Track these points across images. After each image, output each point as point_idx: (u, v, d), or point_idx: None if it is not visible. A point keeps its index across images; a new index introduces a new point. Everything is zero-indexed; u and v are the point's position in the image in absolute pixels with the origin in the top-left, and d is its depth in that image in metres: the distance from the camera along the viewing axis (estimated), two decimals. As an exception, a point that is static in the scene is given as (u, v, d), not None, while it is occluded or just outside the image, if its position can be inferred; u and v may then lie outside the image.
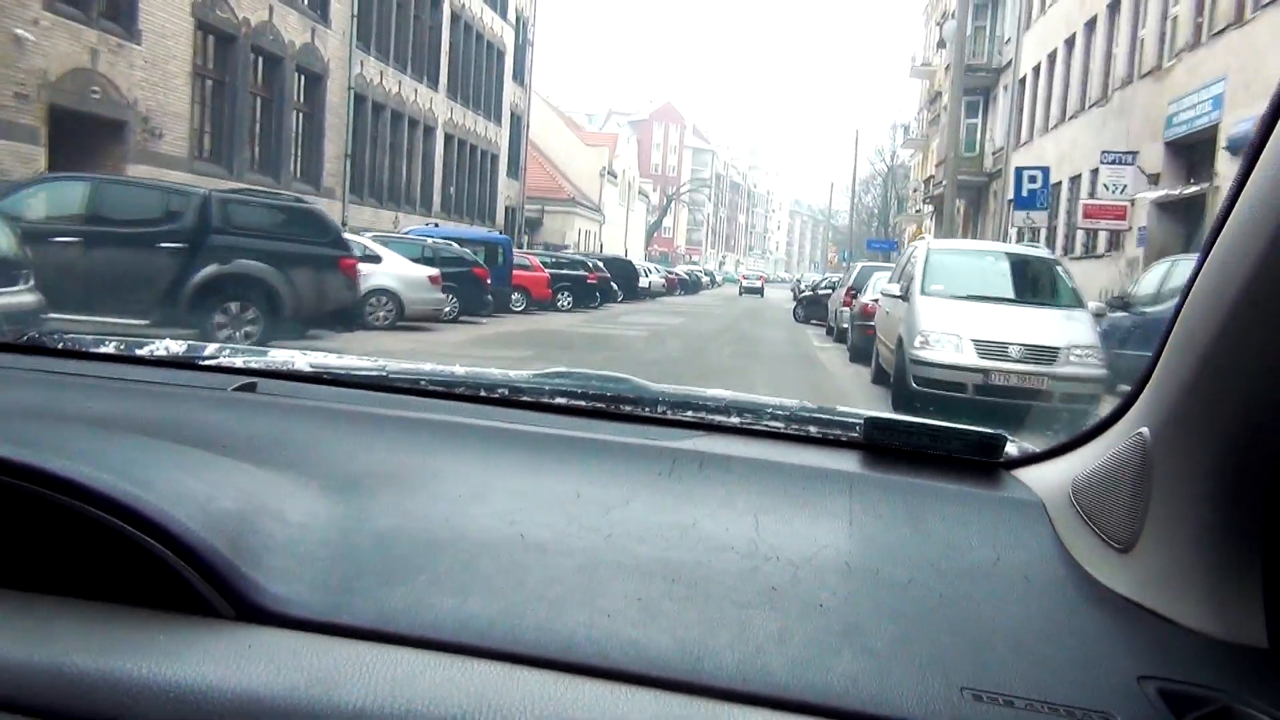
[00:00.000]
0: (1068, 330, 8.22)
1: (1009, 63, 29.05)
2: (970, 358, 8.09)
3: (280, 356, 1.37)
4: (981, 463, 1.13)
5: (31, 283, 6.63)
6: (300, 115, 22.22)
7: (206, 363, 1.34)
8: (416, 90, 28.29)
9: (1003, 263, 9.74)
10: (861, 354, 13.11)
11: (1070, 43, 23.56)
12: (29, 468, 0.70)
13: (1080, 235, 21.14)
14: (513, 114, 37.89)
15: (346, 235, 13.92)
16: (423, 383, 1.31)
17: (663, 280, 40.18)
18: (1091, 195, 19.28)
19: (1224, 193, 0.82)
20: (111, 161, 15.32)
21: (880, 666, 0.71)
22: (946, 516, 0.98)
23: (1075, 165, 21.69)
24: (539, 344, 14.23)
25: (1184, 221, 16.34)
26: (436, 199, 30.10)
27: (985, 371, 8.02)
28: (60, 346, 1.36)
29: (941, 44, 35.05)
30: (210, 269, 9.56)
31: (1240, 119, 13.45)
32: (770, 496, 1.00)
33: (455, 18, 30.89)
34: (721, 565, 0.84)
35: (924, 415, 1.24)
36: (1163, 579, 0.82)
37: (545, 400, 1.27)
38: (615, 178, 56.82)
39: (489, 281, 17.70)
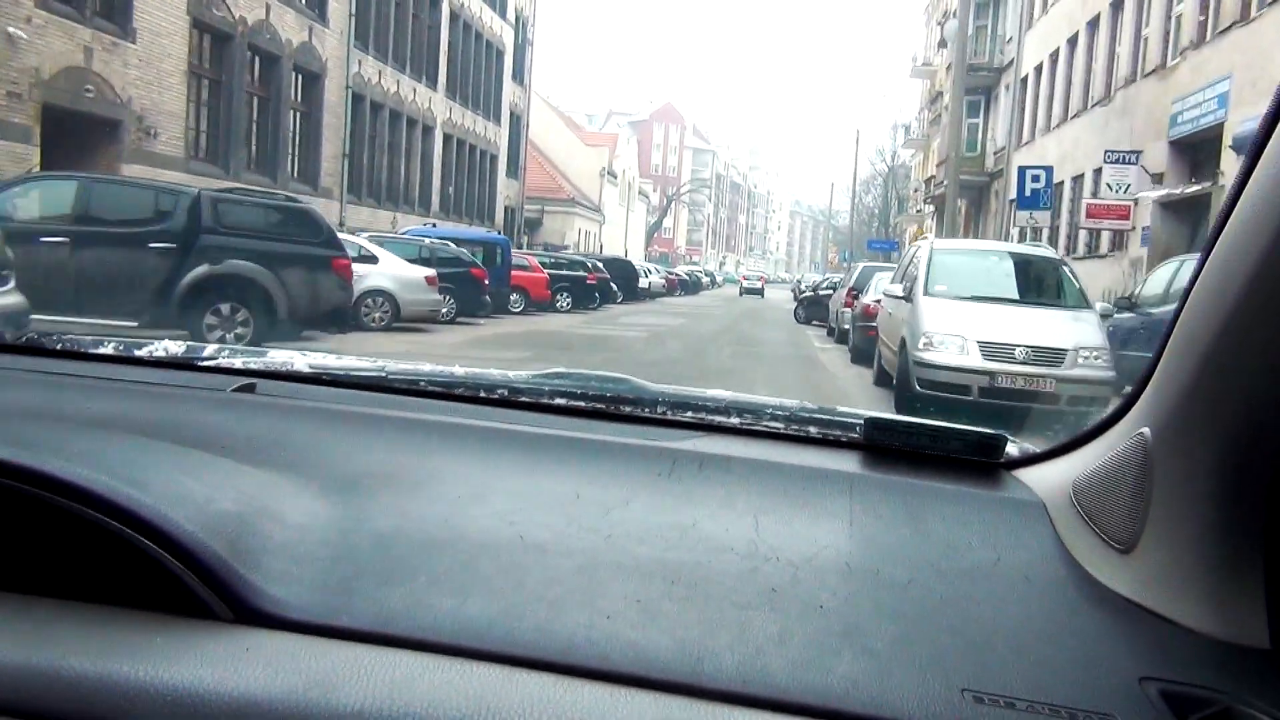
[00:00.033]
0: (1075, 332, 8.06)
1: (1010, 62, 28.95)
2: (975, 360, 7.93)
3: (279, 357, 1.37)
4: (982, 463, 1.12)
5: (12, 284, 6.47)
6: (297, 115, 22.10)
7: (205, 363, 1.34)
8: (415, 90, 28.16)
9: (1008, 263, 9.58)
10: (863, 355, 12.98)
11: (1073, 41, 23.45)
12: (26, 469, 0.69)
13: (1083, 235, 21.02)
14: (512, 114, 37.77)
15: (342, 235, 13.80)
16: (422, 383, 1.30)
17: (662, 281, 40.08)
18: (1094, 195, 19.16)
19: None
20: (106, 161, 15.21)
21: (881, 668, 0.70)
22: (947, 517, 0.98)
23: (1078, 165, 21.58)
24: (537, 345, 14.10)
25: (1188, 221, 16.19)
26: (435, 199, 29.97)
27: (991, 374, 7.85)
28: (59, 347, 1.35)
29: (943, 43, 34.95)
30: (201, 269, 9.39)
31: (1246, 117, 13.29)
32: (770, 497, 1.00)
33: (454, 17, 30.76)
34: (721, 566, 0.84)
35: (925, 416, 1.22)
36: (1164, 579, 0.82)
37: (544, 401, 1.27)
38: (615, 178, 56.72)
39: (487, 282, 17.57)
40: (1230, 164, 13.98)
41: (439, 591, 0.75)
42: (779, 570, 0.84)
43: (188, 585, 0.69)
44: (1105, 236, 19.70)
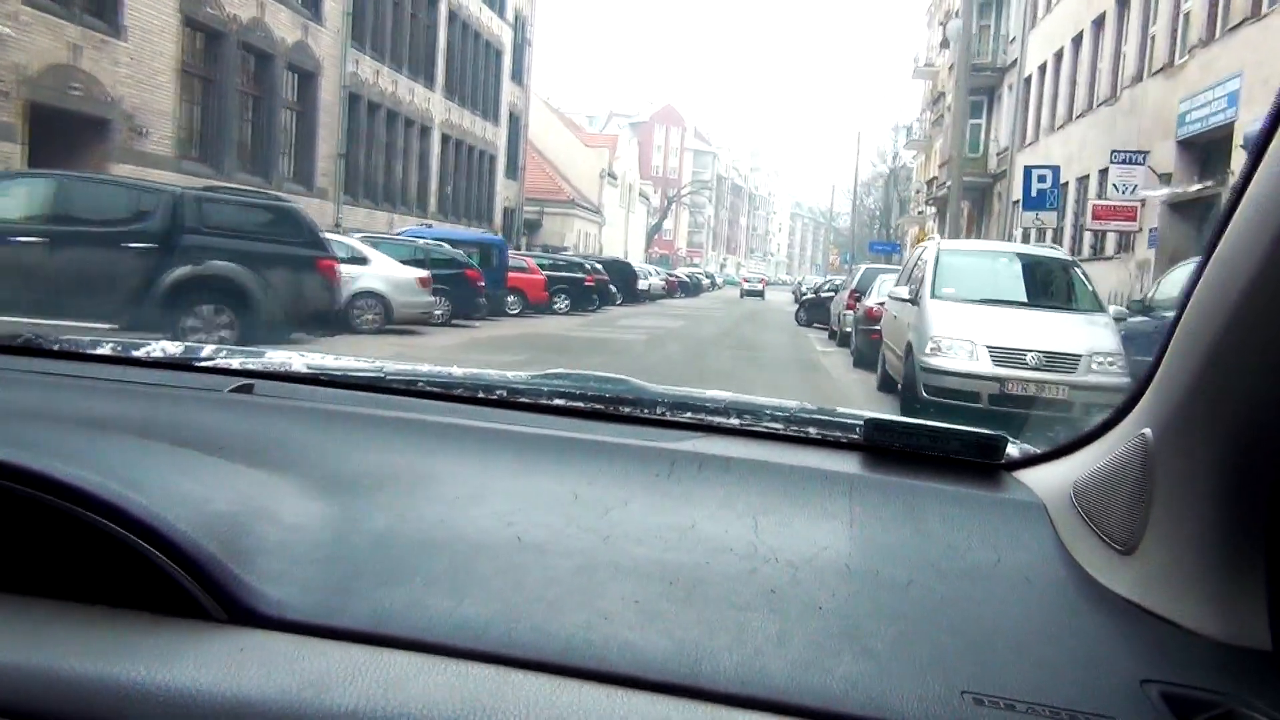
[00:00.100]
0: (1089, 336, 7.74)
1: (1013, 62, 28.73)
2: (985, 365, 7.61)
3: (277, 358, 1.37)
4: (982, 464, 1.12)
5: None
6: (292, 114, 21.84)
7: (203, 364, 1.33)
8: (413, 90, 27.89)
9: (1017, 264, 9.25)
10: (866, 359, 12.70)
11: (1078, 40, 23.21)
12: (21, 469, 0.69)
13: (1088, 237, 20.75)
14: (511, 114, 37.51)
15: (334, 236, 13.53)
16: (420, 384, 1.30)
17: (662, 283, 39.85)
18: (1100, 196, 18.90)
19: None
20: (95, 160, 14.96)
21: (880, 669, 0.70)
22: (947, 518, 0.97)
23: (1083, 165, 21.34)
24: (532, 348, 13.83)
25: (1197, 222, 15.91)
26: (433, 200, 29.70)
27: (1001, 380, 7.53)
28: (56, 348, 1.35)
29: (945, 44, 34.72)
30: (182, 270, 9.07)
31: (1257, 116, 12.98)
32: (770, 498, 1.00)
33: (452, 16, 30.49)
34: (720, 567, 0.84)
35: (925, 417, 1.20)
36: (1165, 581, 0.81)
37: (543, 401, 1.26)
38: (615, 179, 56.48)
39: (482, 284, 17.28)
40: (1241, 164, 13.68)
41: (436, 592, 0.74)
42: (778, 571, 0.83)
43: (182, 586, 0.68)
44: (1110, 238, 19.44)
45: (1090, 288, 8.82)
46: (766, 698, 0.66)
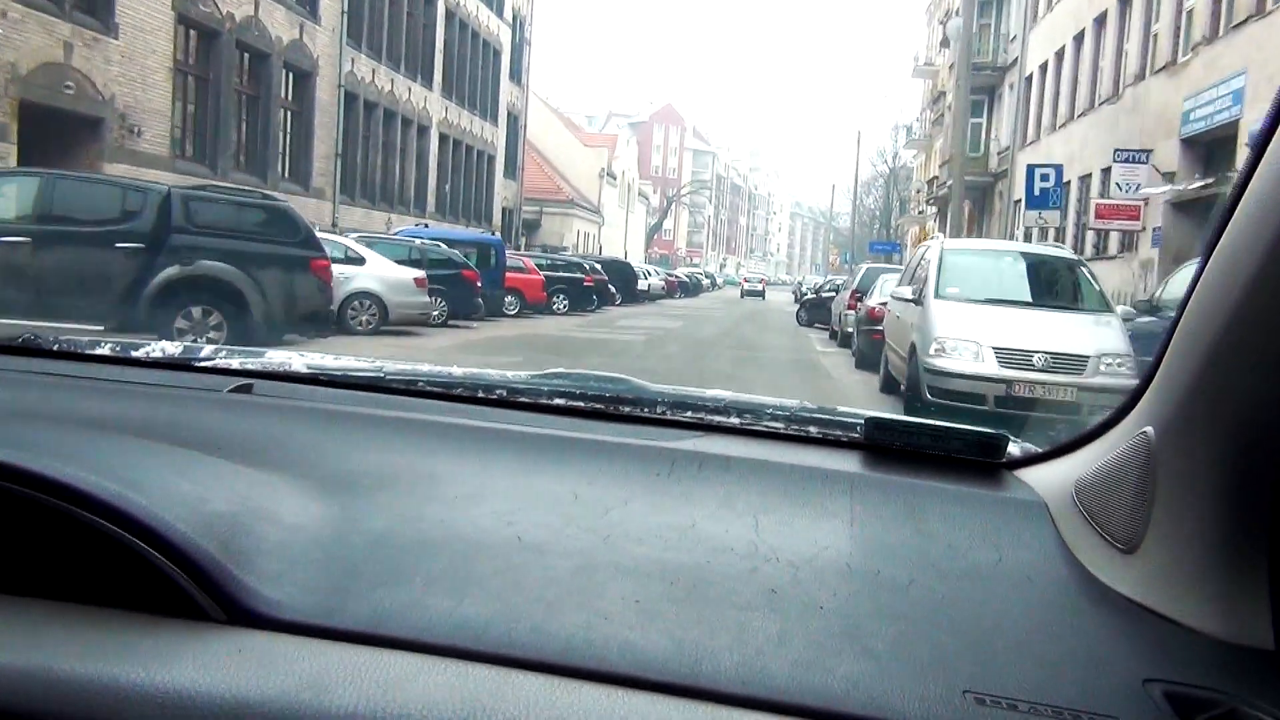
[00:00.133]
0: (1097, 337, 7.56)
1: (1014, 61, 28.60)
2: (991, 367, 7.44)
3: (276, 358, 1.37)
4: (983, 463, 1.11)
5: None
6: (288, 114, 21.69)
7: (203, 364, 1.33)
8: (410, 89, 27.74)
9: (1023, 264, 9.08)
10: (868, 360, 12.54)
11: (1079, 39, 23.08)
12: (18, 470, 0.69)
13: (1090, 236, 20.61)
14: (510, 114, 37.35)
15: (328, 236, 13.36)
16: (420, 384, 1.30)
17: (662, 283, 39.71)
18: (1103, 195, 18.75)
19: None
20: (88, 160, 14.84)
21: (881, 669, 0.70)
22: (948, 517, 0.97)
23: (1085, 164, 21.20)
24: (530, 349, 13.66)
25: (1201, 221, 15.75)
26: (431, 200, 29.55)
27: (1008, 382, 7.36)
28: (56, 348, 1.35)
29: (945, 43, 34.58)
30: (170, 271, 8.88)
31: (1263, 114, 12.83)
32: (770, 497, 0.99)
33: (450, 15, 30.34)
34: (721, 567, 0.83)
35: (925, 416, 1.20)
36: (1167, 580, 0.81)
37: (543, 401, 1.26)
38: (615, 179, 56.32)
39: (480, 284, 17.11)
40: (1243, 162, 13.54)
41: (435, 592, 0.74)
42: (779, 571, 0.83)
43: (180, 586, 0.68)
44: (1114, 237, 19.30)
45: (1097, 287, 8.66)
46: (767, 698, 0.65)
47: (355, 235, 15.97)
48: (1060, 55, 24.48)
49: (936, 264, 8.72)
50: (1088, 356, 7.36)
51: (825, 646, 0.71)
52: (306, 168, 22.16)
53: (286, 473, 0.92)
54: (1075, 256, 10.83)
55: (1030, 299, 8.45)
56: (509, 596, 0.74)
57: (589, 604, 0.74)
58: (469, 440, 1.08)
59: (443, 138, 30.40)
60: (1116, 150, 17.84)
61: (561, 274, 24.18)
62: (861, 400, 10.12)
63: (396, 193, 27.28)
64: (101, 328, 8.63)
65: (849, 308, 16.32)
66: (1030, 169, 20.16)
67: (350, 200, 24.08)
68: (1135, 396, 0.90)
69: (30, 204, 8.80)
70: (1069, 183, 21.41)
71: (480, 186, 34.34)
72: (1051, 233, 21.64)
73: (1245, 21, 14.38)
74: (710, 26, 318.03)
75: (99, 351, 1.35)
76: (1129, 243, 18.51)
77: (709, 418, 1.22)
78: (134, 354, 1.35)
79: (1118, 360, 7.41)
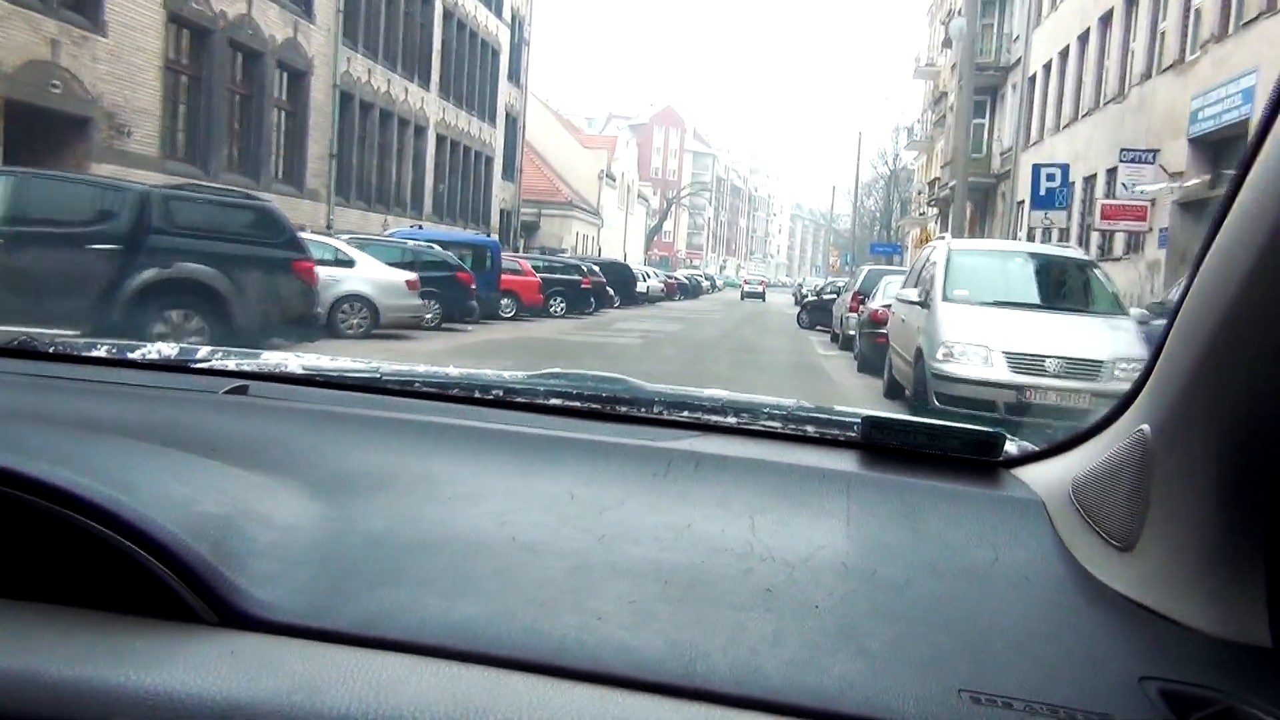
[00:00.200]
0: (1112, 341, 7.25)
1: (1018, 61, 28.32)
2: (1002, 372, 7.13)
3: (272, 359, 1.38)
4: (980, 461, 1.11)
5: None
6: (282, 114, 21.39)
7: (198, 365, 1.34)
8: (407, 89, 27.46)
9: (1033, 265, 8.78)
10: (870, 364, 12.25)
11: (1084, 38, 22.82)
12: (9, 472, 0.69)
13: (1095, 237, 20.32)
14: (508, 115, 37.08)
15: (318, 237, 13.06)
16: (416, 384, 1.30)
17: (661, 285, 39.43)
18: (1109, 195, 18.46)
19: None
20: (75, 160, 14.54)
21: (877, 668, 0.70)
22: (945, 516, 0.96)
23: (1090, 165, 20.94)
24: (524, 353, 13.37)
25: (1209, 222, 15.46)
26: (428, 201, 29.25)
27: (1019, 388, 7.05)
28: (51, 350, 1.35)
29: (947, 43, 34.29)
30: (148, 273, 8.54)
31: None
32: (767, 497, 0.99)
33: (448, 15, 30.06)
34: (716, 567, 0.83)
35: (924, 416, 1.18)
36: (1164, 578, 0.80)
37: (539, 401, 1.26)
38: (614, 181, 56.05)
39: (474, 287, 16.80)
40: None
41: (429, 593, 0.74)
42: (775, 570, 0.83)
43: (171, 588, 0.68)
44: (1119, 238, 19.03)
45: (1110, 289, 8.35)
46: (762, 698, 0.65)
47: (346, 237, 15.68)
48: (1065, 55, 24.22)
49: (944, 265, 8.41)
50: (1102, 361, 7.06)
51: (821, 646, 0.71)
52: (301, 169, 21.87)
53: (282, 474, 0.92)
54: (1087, 257, 10.53)
55: (1041, 301, 8.15)
56: (504, 597, 0.74)
57: (584, 604, 0.74)
58: (464, 441, 1.08)
59: (440, 139, 30.12)
60: (1123, 150, 17.59)
61: (558, 276, 23.88)
62: (864, 405, 9.80)
63: (393, 194, 26.99)
64: (78, 332, 8.32)
65: (851, 310, 16.03)
66: (1036, 168, 19.91)
67: (346, 202, 23.80)
68: (1132, 394, 0.89)
69: (2, 204, 8.49)
70: (1073, 183, 21.15)
71: (478, 188, 34.05)
72: (1056, 233, 21.37)
73: (1257, 19, 14.10)
74: (710, 28, 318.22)
75: (94, 354, 1.35)
76: (1135, 244, 18.24)
77: (706, 417, 1.22)
78: (129, 356, 1.35)
79: (1133, 365, 7.09)
